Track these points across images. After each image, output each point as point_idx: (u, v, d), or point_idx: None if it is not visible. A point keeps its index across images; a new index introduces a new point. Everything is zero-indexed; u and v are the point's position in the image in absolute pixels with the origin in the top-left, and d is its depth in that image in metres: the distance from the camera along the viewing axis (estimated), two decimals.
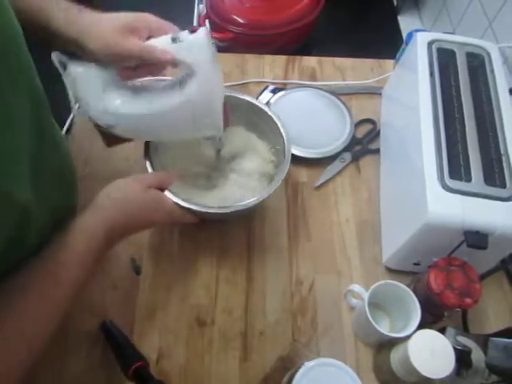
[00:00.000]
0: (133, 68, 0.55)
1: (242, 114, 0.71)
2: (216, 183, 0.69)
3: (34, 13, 0.48)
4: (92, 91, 0.54)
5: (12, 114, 0.36)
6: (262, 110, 0.70)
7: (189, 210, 0.60)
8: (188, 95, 0.54)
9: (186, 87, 0.54)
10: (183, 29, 0.53)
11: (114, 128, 0.57)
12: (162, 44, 0.51)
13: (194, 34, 0.51)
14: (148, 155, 0.63)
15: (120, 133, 0.58)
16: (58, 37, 0.49)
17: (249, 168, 0.70)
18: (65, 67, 0.52)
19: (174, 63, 0.52)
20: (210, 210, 0.60)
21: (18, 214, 0.38)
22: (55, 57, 0.51)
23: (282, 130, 0.68)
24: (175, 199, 0.59)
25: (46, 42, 0.50)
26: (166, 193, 0.59)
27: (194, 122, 0.57)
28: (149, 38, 0.52)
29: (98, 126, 0.58)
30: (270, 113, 0.69)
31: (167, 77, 0.57)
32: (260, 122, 0.71)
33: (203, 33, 0.51)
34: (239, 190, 0.67)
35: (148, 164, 0.62)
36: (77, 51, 0.51)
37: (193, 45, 0.51)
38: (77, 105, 0.54)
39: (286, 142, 0.67)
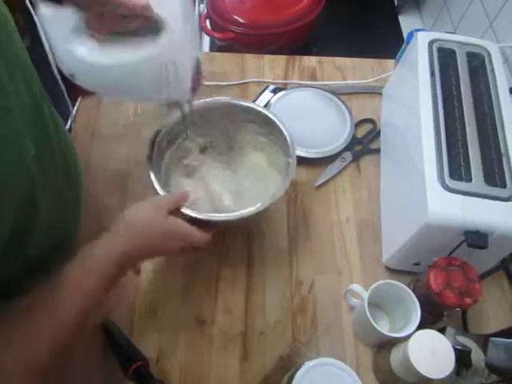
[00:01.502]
0: (99, 18, 0.52)
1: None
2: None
3: None
4: (59, 37, 0.51)
5: (10, 103, 0.36)
6: (266, 115, 0.69)
7: (198, 219, 0.58)
8: (157, 48, 0.52)
9: (157, 41, 0.52)
10: None
11: (76, 77, 0.54)
12: None
13: None
14: (151, 160, 0.63)
15: (82, 83, 0.55)
16: None
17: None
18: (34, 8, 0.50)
19: (145, 15, 0.50)
20: (218, 218, 0.59)
21: (27, 185, 0.39)
22: None
23: (287, 138, 0.65)
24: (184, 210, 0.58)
25: None
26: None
27: (160, 79, 0.54)
28: None
29: None
30: (270, 115, 0.68)
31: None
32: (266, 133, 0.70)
33: None
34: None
35: (152, 176, 0.61)
36: None
37: None
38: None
39: (291, 153, 0.64)
